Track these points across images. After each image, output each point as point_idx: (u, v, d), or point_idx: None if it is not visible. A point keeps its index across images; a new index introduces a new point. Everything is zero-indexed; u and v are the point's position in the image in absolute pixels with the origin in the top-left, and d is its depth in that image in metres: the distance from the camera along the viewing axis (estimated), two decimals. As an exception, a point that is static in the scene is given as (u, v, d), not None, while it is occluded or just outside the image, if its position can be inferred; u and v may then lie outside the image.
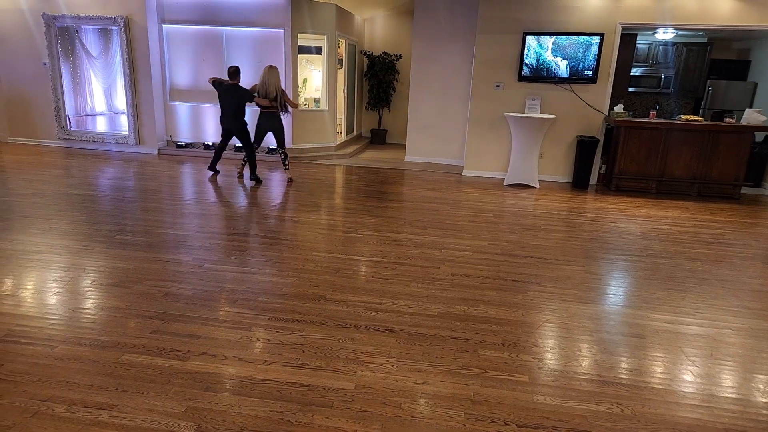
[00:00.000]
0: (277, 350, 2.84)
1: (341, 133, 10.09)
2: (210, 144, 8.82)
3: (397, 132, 11.36)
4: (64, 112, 8.86)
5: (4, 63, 8.82)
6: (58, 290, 3.52)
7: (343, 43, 9.49)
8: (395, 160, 9.36)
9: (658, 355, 2.97)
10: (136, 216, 5.29)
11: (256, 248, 4.49)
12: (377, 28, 11.05)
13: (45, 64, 8.64)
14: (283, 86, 7.20)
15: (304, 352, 2.83)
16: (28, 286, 3.58)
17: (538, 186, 7.62)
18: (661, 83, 8.91)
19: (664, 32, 8.17)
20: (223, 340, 2.93)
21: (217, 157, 7.24)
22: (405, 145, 9.47)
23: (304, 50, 9.29)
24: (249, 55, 8.48)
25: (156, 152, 8.79)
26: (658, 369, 2.82)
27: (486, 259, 4.46)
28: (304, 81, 9.89)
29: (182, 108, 8.86)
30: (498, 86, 7.82)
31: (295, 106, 6.92)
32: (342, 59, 9.69)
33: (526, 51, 7.54)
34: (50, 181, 6.56)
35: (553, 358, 2.89)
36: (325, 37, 8.76)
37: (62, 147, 8.96)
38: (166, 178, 7.18)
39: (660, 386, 2.66)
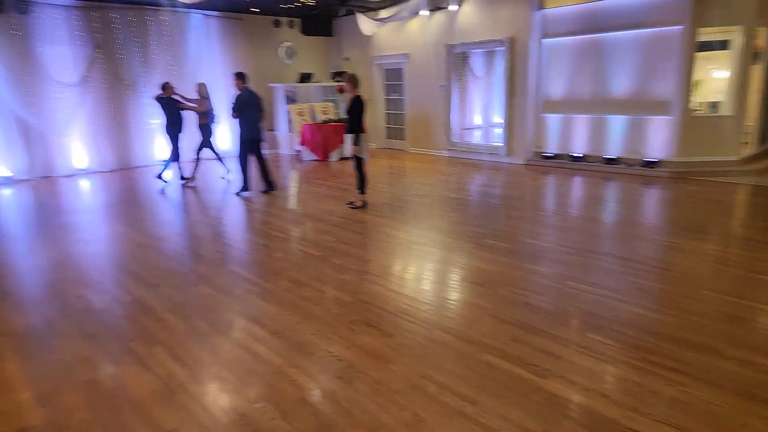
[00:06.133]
0: (651, 400, 2.38)
1: (749, 143, 8.09)
2: (578, 155, 8.56)
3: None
4: (452, 126, 10.29)
5: (414, 87, 10.91)
6: (435, 280, 4.01)
7: (764, 32, 7.57)
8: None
9: None
10: (501, 222, 5.58)
11: (625, 272, 4.00)
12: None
13: (441, 86, 10.22)
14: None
15: (686, 413, 2.28)
16: (416, 272, 4.22)
17: None
18: None
19: None
20: (583, 368, 2.68)
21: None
22: None
23: (703, 47, 7.86)
24: (632, 60, 7.77)
25: (523, 162, 9.16)
26: None
27: None
28: (696, 83, 8.39)
29: (553, 119, 8.92)
30: None
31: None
32: (760, 53, 7.74)
33: None
34: (436, 185, 7.69)
35: None
36: (737, 28, 7.18)
37: (446, 156, 10.43)
38: (530, 188, 7.35)
39: None
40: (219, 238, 5.19)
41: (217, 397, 2.51)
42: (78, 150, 9.25)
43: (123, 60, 9.39)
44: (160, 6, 9.41)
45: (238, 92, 6.78)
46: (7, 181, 8.47)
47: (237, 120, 6.82)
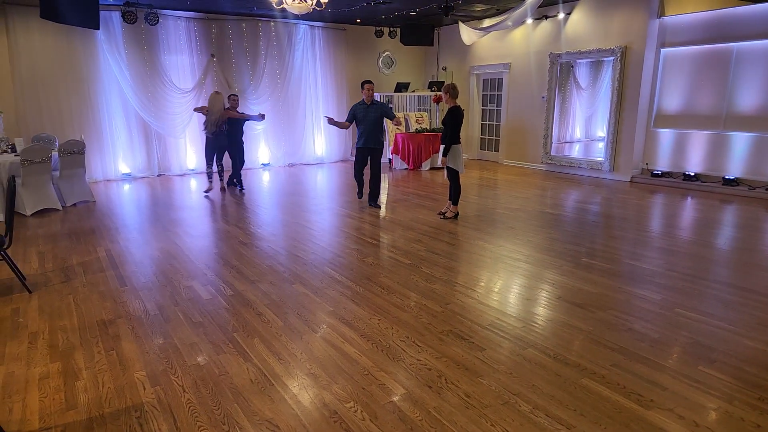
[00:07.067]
0: (779, 450, 2.11)
1: None
2: (692, 174, 7.85)
3: None
4: (550, 139, 9.89)
5: (513, 97, 10.66)
6: (528, 297, 3.86)
7: None
8: None
9: None
10: (602, 242, 5.24)
11: (744, 304, 3.59)
12: None
13: (543, 97, 9.88)
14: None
15: (826, 470, 1.98)
16: (508, 287, 4.09)
17: None
18: None
19: None
20: (694, 403, 2.43)
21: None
22: None
23: None
24: (764, 73, 7.00)
25: (628, 180, 8.57)
26: None
27: None
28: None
29: (665, 135, 8.27)
30: None
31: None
32: None
33: None
34: (531, 199, 7.42)
35: None
36: None
37: (543, 170, 10.04)
38: (636, 206, 6.85)
39: None
40: (314, 240, 5.40)
41: (310, 392, 2.60)
42: (189, 151, 10.09)
43: (234, 68, 10.15)
44: (273, 17, 10.08)
45: (360, 103, 6.79)
46: (126, 178, 9.47)
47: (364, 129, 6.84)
